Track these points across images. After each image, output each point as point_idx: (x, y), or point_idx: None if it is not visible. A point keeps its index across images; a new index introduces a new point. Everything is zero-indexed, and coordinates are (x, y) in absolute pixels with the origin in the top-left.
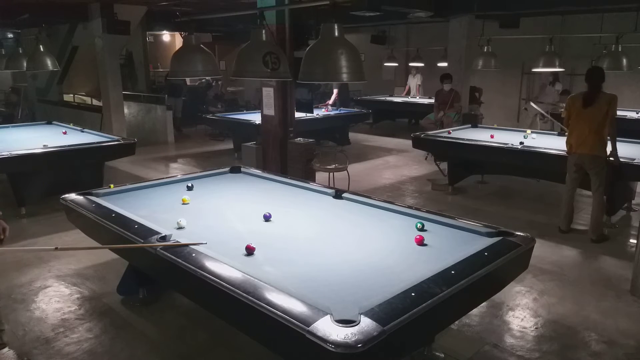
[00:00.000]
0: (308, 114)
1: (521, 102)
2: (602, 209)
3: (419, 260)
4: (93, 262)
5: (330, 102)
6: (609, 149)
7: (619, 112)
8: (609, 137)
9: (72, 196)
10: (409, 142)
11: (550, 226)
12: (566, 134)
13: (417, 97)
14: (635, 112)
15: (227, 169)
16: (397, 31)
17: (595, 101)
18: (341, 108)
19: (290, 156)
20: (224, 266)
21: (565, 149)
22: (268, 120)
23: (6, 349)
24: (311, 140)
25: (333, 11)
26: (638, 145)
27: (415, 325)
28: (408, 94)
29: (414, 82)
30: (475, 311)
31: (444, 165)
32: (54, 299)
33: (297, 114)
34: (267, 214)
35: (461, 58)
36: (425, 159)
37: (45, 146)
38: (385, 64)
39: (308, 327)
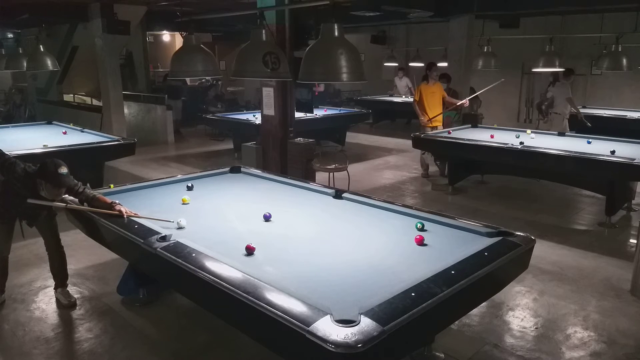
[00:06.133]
0: (308, 114)
1: (523, 103)
2: None
3: (419, 260)
4: (93, 262)
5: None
6: None
7: (619, 112)
8: None
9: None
10: (409, 142)
11: (551, 226)
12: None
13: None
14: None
15: (227, 169)
16: (397, 31)
17: None
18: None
19: (290, 156)
20: (224, 266)
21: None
22: (268, 120)
23: None
24: (311, 140)
25: (333, 11)
26: (638, 145)
27: (415, 325)
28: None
29: (401, 84)
30: (475, 311)
31: (443, 165)
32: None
33: (297, 114)
34: (267, 214)
35: (461, 58)
36: None
37: (45, 146)
38: (385, 64)
39: (308, 327)
